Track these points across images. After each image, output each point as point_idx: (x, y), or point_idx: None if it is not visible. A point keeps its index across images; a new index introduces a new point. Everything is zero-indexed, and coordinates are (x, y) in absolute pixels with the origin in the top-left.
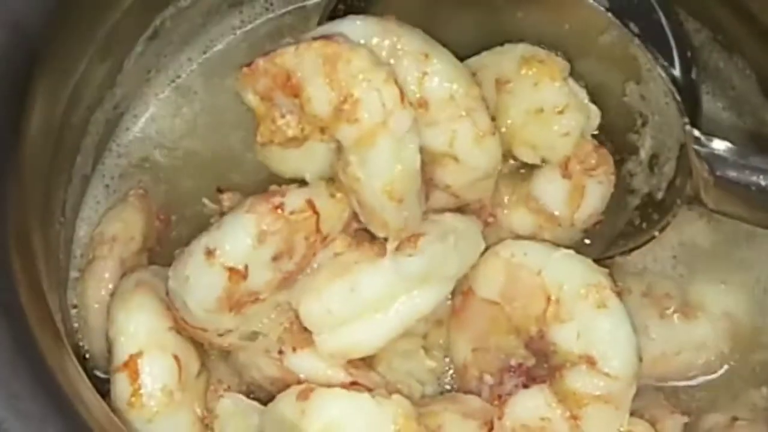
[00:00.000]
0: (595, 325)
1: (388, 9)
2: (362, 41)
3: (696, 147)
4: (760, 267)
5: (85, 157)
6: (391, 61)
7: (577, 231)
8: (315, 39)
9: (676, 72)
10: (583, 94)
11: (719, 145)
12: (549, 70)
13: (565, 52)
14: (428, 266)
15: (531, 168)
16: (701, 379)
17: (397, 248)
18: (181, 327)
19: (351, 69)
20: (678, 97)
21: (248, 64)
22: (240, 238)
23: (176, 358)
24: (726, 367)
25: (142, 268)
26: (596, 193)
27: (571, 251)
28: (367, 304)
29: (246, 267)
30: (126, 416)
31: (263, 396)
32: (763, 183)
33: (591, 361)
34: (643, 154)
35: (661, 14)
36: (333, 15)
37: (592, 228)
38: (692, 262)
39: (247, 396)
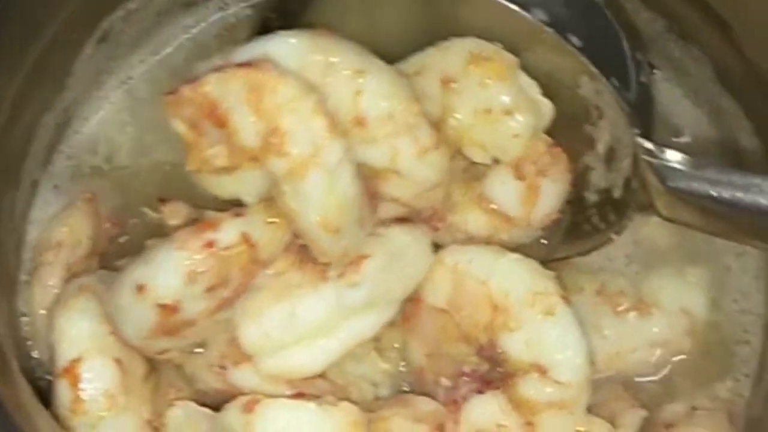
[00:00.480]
0: (543, 334)
1: (325, 7)
2: (293, 60)
3: (647, 158)
4: (715, 261)
5: (35, 161)
6: (326, 79)
7: (534, 230)
8: (240, 65)
9: (627, 80)
10: (534, 88)
11: (672, 156)
12: (496, 67)
13: (513, 44)
14: (370, 296)
15: (484, 165)
16: (659, 374)
17: (339, 276)
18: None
19: (277, 99)
20: (627, 109)
21: (172, 92)
22: (169, 278)
23: (119, 362)
24: (683, 360)
25: (87, 273)
26: (551, 192)
27: (518, 256)
28: (306, 330)
29: (177, 302)
30: (69, 423)
31: (215, 402)
32: (715, 194)
33: (541, 370)
34: (601, 148)
35: (607, 18)
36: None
37: (550, 225)
38: (647, 259)
39: (199, 402)
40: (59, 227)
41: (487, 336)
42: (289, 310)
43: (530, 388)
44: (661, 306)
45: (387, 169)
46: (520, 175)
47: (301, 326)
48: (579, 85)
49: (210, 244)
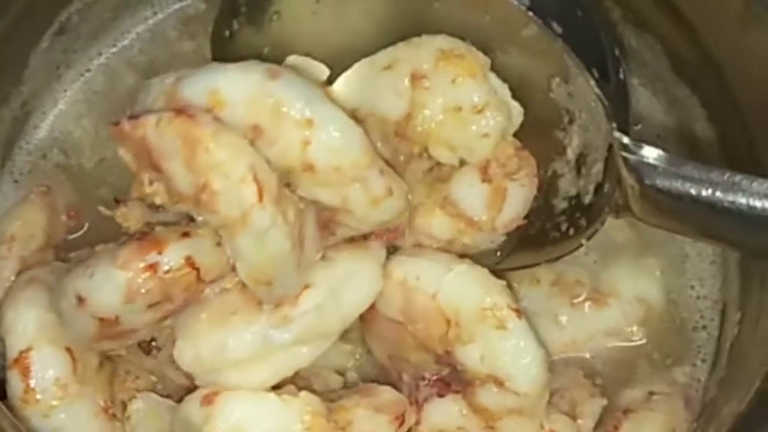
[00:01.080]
0: (496, 348)
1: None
2: (242, 99)
3: (624, 154)
4: (672, 248)
5: None
6: (275, 122)
7: (499, 235)
8: (178, 112)
9: (606, 73)
10: (504, 91)
11: (649, 153)
12: (468, 65)
13: (485, 44)
14: (301, 334)
15: (449, 167)
16: (616, 360)
17: (275, 307)
18: None
19: (209, 159)
20: (605, 101)
21: (115, 123)
22: (107, 296)
23: (69, 351)
24: (641, 346)
25: (40, 265)
26: (518, 197)
27: (467, 267)
28: (238, 359)
29: (117, 317)
30: (22, 413)
31: (176, 390)
32: (694, 193)
33: (498, 382)
34: (570, 154)
35: (586, 12)
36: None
37: (515, 231)
38: (605, 249)
39: (160, 391)
40: (13, 221)
41: (443, 347)
42: (222, 339)
43: (489, 397)
44: (617, 295)
45: (341, 209)
46: (486, 178)
47: (232, 356)
48: (551, 88)
49: (153, 267)
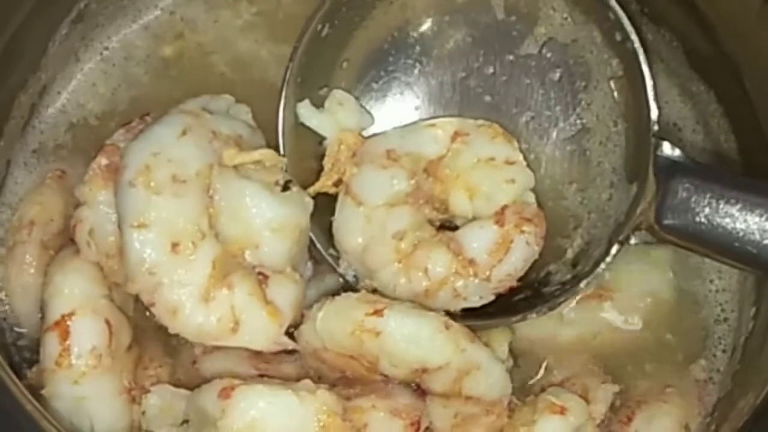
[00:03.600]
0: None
1: None
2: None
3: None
4: None
5: (9, 142)
6: None
7: (489, 290)
8: None
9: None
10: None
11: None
12: (508, 137)
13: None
14: None
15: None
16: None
17: None
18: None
19: None
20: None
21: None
22: None
23: (108, 323)
24: (658, 341)
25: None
26: (521, 253)
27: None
28: None
29: None
30: (53, 376)
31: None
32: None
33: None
34: (570, 254)
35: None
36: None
37: (503, 295)
38: None
39: (177, 381)
40: (31, 205)
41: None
42: None
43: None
44: (623, 290)
45: None
46: (500, 221)
47: None
48: (565, 195)
49: None
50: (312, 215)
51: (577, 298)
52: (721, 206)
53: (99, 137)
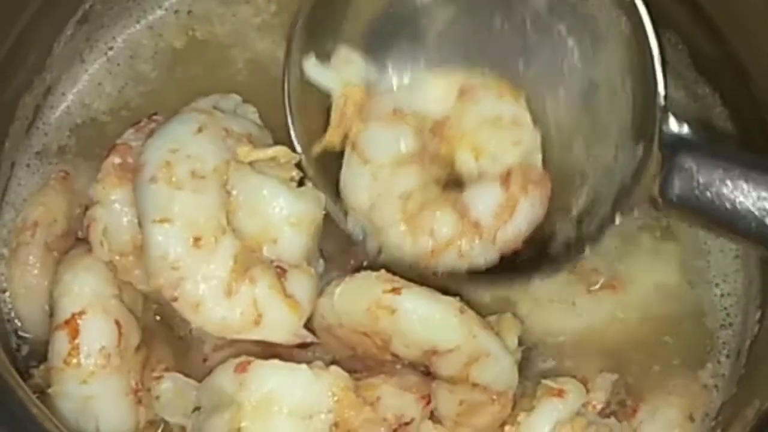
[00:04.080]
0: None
1: None
2: None
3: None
4: (689, 235)
5: (14, 143)
6: None
7: (494, 252)
8: None
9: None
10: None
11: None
12: (516, 93)
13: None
14: None
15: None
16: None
17: None
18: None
19: None
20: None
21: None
22: None
23: (118, 323)
24: (664, 346)
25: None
26: (526, 215)
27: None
28: None
29: None
30: (61, 375)
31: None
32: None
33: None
34: (575, 212)
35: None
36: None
37: (508, 256)
38: (625, 234)
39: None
40: (35, 206)
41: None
42: None
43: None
44: (635, 282)
45: None
46: (505, 182)
47: None
48: (571, 150)
49: None
50: (319, 173)
51: (592, 288)
52: (727, 182)
53: (104, 138)
